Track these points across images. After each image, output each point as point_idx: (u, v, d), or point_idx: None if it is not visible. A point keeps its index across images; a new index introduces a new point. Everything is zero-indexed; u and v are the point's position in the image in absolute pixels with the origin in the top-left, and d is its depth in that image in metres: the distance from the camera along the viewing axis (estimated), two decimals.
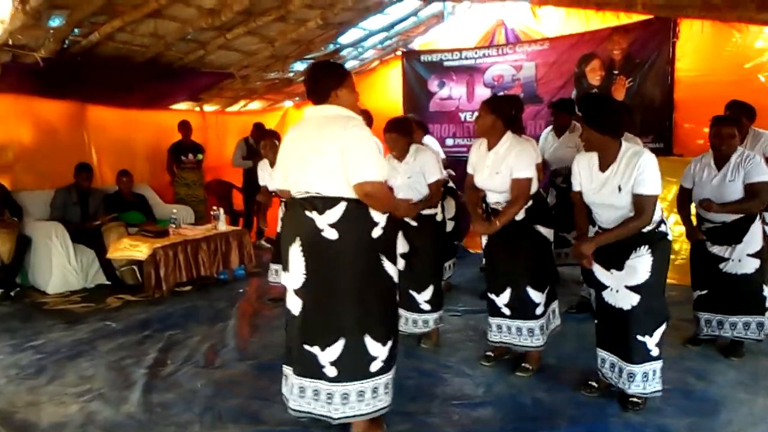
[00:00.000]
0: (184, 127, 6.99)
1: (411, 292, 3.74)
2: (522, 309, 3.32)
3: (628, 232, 2.78)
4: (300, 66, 7.14)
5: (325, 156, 2.42)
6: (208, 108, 7.98)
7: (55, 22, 4.50)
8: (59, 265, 5.24)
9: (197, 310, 4.79)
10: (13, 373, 3.52)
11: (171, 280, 5.11)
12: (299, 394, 2.57)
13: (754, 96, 4.78)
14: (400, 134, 3.64)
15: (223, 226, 5.72)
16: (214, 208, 5.94)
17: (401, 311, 3.76)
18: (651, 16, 5.46)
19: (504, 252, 3.34)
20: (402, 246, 3.74)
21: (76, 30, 4.71)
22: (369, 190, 2.40)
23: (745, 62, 5.32)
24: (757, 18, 4.46)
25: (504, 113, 3.23)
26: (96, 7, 4.26)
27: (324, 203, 2.45)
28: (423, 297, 3.74)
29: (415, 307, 3.77)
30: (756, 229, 3.49)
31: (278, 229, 4.81)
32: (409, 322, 3.80)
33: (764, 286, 3.55)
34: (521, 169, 3.17)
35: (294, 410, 2.59)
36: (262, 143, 4.82)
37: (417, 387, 3.26)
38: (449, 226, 4.99)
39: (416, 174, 3.65)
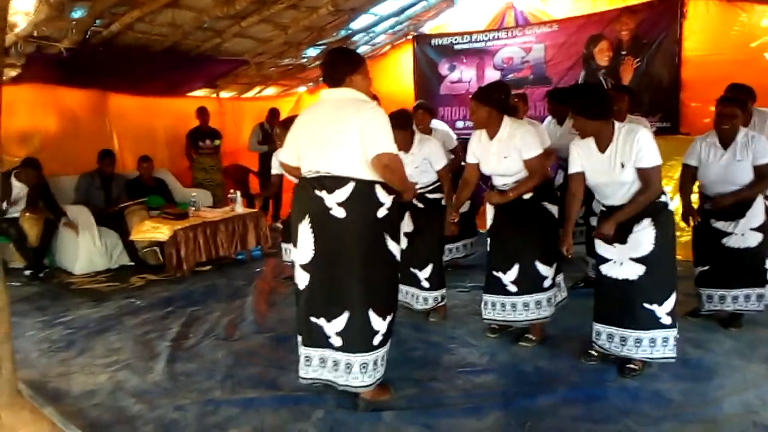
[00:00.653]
0: (202, 113, 7.18)
1: (412, 269, 3.90)
2: (530, 283, 3.43)
3: (641, 206, 2.91)
4: (313, 52, 7.28)
5: (342, 135, 2.57)
6: (225, 94, 8.16)
7: (77, 14, 4.69)
8: (85, 247, 5.48)
9: (216, 288, 5.01)
10: (45, 347, 3.75)
11: (191, 260, 5.33)
12: (305, 362, 2.76)
13: (760, 75, 4.85)
14: (399, 129, 3.74)
15: (240, 208, 5.92)
16: (231, 191, 6.13)
17: (406, 287, 3.93)
18: None
19: (512, 229, 3.44)
20: (407, 225, 3.90)
21: (97, 21, 4.89)
22: (387, 161, 2.55)
23: (752, 41, 5.35)
24: None
25: (495, 101, 3.31)
26: None
27: (333, 183, 2.60)
28: (423, 275, 3.89)
29: (416, 283, 3.93)
30: (759, 204, 3.57)
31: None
32: (409, 296, 3.97)
33: (766, 259, 3.64)
34: (530, 148, 3.27)
35: (302, 378, 2.79)
36: (276, 131, 4.93)
37: (424, 357, 3.44)
38: (465, 205, 5.11)
39: (422, 163, 3.79)
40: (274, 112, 7.55)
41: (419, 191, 3.85)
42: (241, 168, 8.00)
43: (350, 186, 2.59)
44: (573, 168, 3.16)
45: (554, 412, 2.75)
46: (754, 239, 3.57)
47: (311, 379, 2.78)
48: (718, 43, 5.56)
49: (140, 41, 5.48)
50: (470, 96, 3.44)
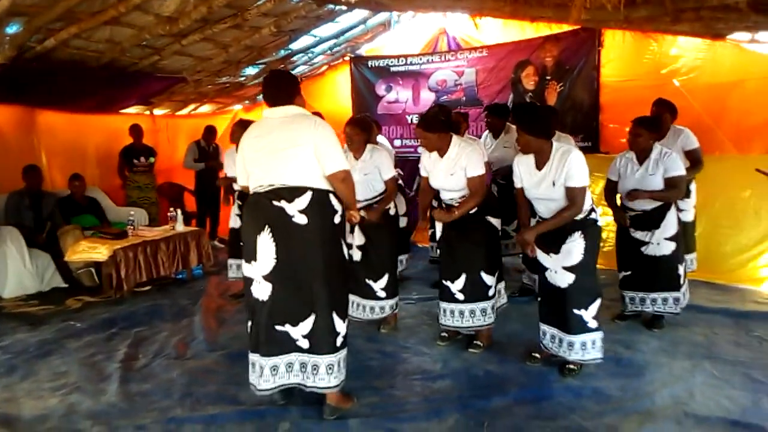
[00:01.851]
0: (135, 130, 7.03)
1: (368, 281, 4.02)
2: (475, 292, 3.65)
3: (564, 221, 3.20)
4: (251, 70, 7.32)
5: (296, 148, 2.71)
6: (159, 111, 8.03)
7: (12, 29, 4.54)
8: (15, 269, 5.23)
9: (161, 308, 4.91)
10: None
11: (131, 280, 5.20)
12: (271, 373, 2.80)
13: (670, 98, 5.29)
14: (359, 129, 3.93)
15: (181, 226, 5.84)
16: (171, 209, 6.04)
17: (359, 299, 4.05)
18: (579, 27, 5.97)
19: (461, 242, 3.66)
20: (359, 238, 4.04)
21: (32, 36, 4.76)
22: (343, 176, 2.78)
23: (662, 68, 5.90)
24: (672, 29, 5.04)
25: (440, 126, 3.55)
26: (55, 15, 4.34)
27: (291, 193, 2.72)
28: (379, 285, 4.03)
29: (372, 294, 4.05)
30: (671, 215, 3.96)
31: (232, 225, 4.98)
32: (366, 310, 4.08)
33: (679, 266, 4.03)
34: (474, 168, 3.51)
35: (263, 390, 2.82)
36: (233, 129, 4.87)
37: (381, 366, 3.57)
38: (402, 221, 5.32)
39: (372, 171, 3.95)
40: (210, 130, 7.48)
41: (367, 202, 3.99)
42: (176, 186, 7.87)
43: (308, 194, 2.73)
44: (516, 183, 3.44)
45: (508, 412, 2.95)
46: (668, 248, 3.95)
47: (274, 388, 2.81)
48: (632, 70, 6.09)
49: (75, 57, 5.35)
50: (416, 125, 3.67)
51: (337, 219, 2.84)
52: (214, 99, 8.25)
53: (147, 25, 5.12)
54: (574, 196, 3.15)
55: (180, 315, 4.70)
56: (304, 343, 2.79)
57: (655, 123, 3.99)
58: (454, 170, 3.55)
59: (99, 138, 7.17)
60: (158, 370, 3.58)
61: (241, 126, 4.86)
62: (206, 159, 7.28)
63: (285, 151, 2.73)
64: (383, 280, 4.01)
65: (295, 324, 2.77)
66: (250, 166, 2.85)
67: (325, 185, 2.78)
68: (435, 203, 3.86)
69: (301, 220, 2.72)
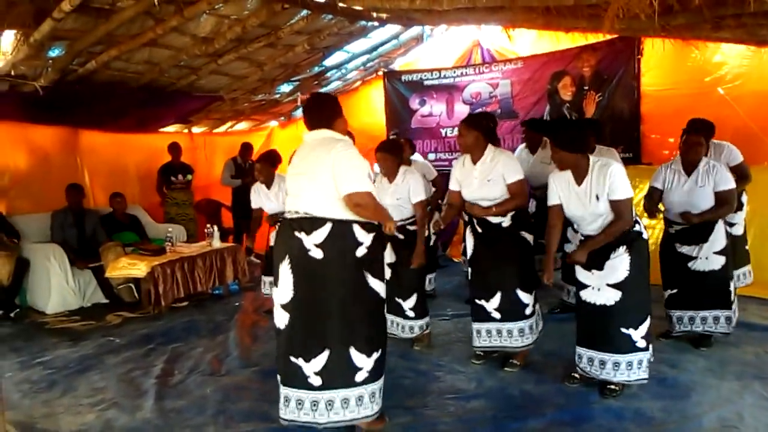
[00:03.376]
0: (174, 148, 7.19)
1: (397, 299, 3.98)
2: (513, 311, 3.55)
3: (613, 236, 3.09)
4: (286, 87, 7.42)
5: (315, 175, 2.67)
6: (197, 129, 8.20)
7: (55, 52, 4.70)
8: (58, 286, 5.39)
9: (197, 324, 4.98)
10: (26, 388, 3.67)
11: (169, 296, 5.29)
12: (284, 402, 2.75)
13: (714, 108, 5.19)
14: (390, 154, 3.91)
15: (217, 242, 5.92)
16: (208, 225, 6.14)
17: (391, 317, 4.00)
18: (616, 36, 5.84)
19: (493, 258, 3.56)
20: (389, 256, 3.99)
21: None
22: (357, 200, 2.62)
23: (705, 76, 5.72)
24: (713, 36, 4.87)
25: (483, 128, 3.51)
26: (96, 38, 4.47)
27: (311, 224, 2.66)
28: (408, 304, 3.98)
29: (401, 312, 4.01)
30: (720, 228, 3.79)
31: (269, 243, 5.01)
32: (397, 327, 4.04)
33: (731, 282, 3.84)
34: (513, 173, 3.44)
35: (282, 418, 2.76)
36: (256, 166, 4.99)
37: (414, 385, 3.50)
38: (431, 239, 5.27)
39: (405, 195, 3.92)
40: (246, 147, 7.61)
41: (400, 223, 3.96)
42: (213, 202, 8.00)
43: (327, 227, 2.65)
44: (551, 200, 3.32)
45: None
46: (718, 263, 3.77)
47: (289, 420, 2.75)
48: (674, 78, 5.92)
49: (116, 78, 5.50)
50: (461, 121, 3.63)
51: (360, 252, 2.70)
52: (250, 116, 8.39)
53: (184, 46, 5.24)
54: (620, 209, 3.05)
55: (215, 331, 4.75)
56: (316, 380, 2.69)
57: (712, 127, 3.83)
58: (491, 176, 3.46)
59: (139, 156, 7.37)
60: (193, 387, 3.61)
61: (264, 161, 4.93)
62: (243, 175, 7.38)
63: (306, 179, 2.70)
64: (412, 300, 3.96)
65: (307, 359, 2.68)
66: (287, 188, 2.86)
67: (347, 215, 2.67)
68: (466, 218, 3.78)
69: (317, 254, 2.65)
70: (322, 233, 2.64)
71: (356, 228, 2.70)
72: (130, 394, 3.53)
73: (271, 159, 4.99)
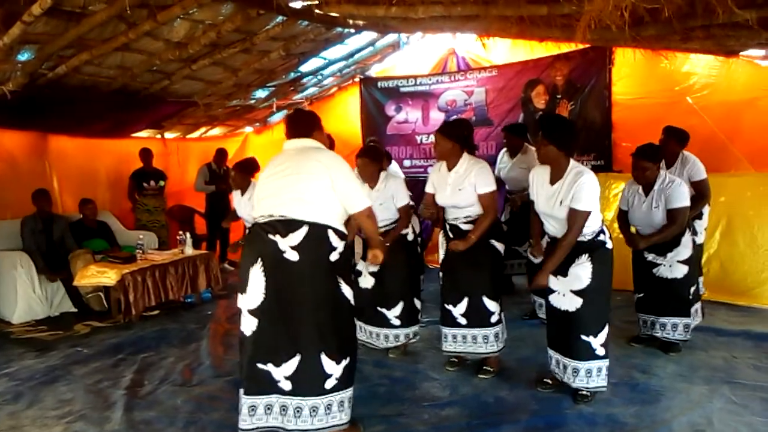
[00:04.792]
0: (146, 154, 7.08)
1: (380, 309, 3.96)
2: (478, 318, 3.57)
3: (565, 250, 3.11)
4: (261, 93, 7.37)
5: (305, 178, 2.67)
6: (169, 135, 8.10)
7: (24, 56, 4.59)
8: (24, 295, 5.24)
9: (168, 333, 4.88)
10: None
11: (140, 305, 5.18)
12: (249, 412, 2.69)
13: (683, 117, 5.29)
14: (371, 160, 3.90)
15: (189, 250, 5.83)
16: (180, 232, 6.04)
17: (371, 328, 3.99)
18: (588, 46, 5.93)
19: (464, 265, 3.57)
20: (372, 265, 3.97)
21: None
22: (369, 212, 2.81)
23: (675, 86, 5.84)
24: (683, 47, 4.99)
25: (459, 136, 3.52)
26: (66, 42, 4.38)
27: (287, 226, 2.65)
28: (393, 313, 3.96)
29: (385, 323, 3.98)
30: (686, 239, 3.87)
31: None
32: (380, 338, 4.02)
33: (690, 290, 3.92)
34: (485, 184, 3.45)
35: (242, 429, 2.70)
36: (231, 174, 5.00)
37: (389, 392, 3.49)
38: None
39: (387, 200, 3.91)
40: (221, 152, 7.54)
41: (382, 229, 3.94)
42: (186, 209, 7.90)
43: (304, 230, 2.64)
44: (531, 195, 3.38)
45: None
46: (680, 271, 3.86)
47: (252, 429, 2.70)
48: (644, 88, 6.03)
49: (87, 83, 5.40)
50: (437, 129, 3.64)
51: (334, 256, 2.71)
52: (224, 122, 8.32)
53: (157, 51, 5.17)
54: (574, 219, 3.06)
55: (187, 340, 4.67)
56: (286, 385, 2.66)
57: (656, 151, 3.84)
58: (462, 185, 3.49)
59: (110, 162, 7.24)
60: (163, 397, 3.53)
61: (240, 170, 4.93)
62: (217, 182, 7.31)
63: (290, 180, 2.69)
64: (397, 308, 3.95)
65: (278, 364, 2.65)
66: (259, 194, 2.82)
67: (324, 220, 2.68)
68: (446, 226, 3.77)
69: (293, 256, 2.63)
70: (298, 235, 2.63)
71: (331, 233, 2.71)
72: (98, 405, 3.44)
73: (248, 167, 4.97)
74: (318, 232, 2.66)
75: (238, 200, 4.97)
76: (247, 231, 4.96)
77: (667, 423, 2.98)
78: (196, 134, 8.47)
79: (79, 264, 5.41)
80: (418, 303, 4.10)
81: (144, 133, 7.72)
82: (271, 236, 2.66)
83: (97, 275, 5.21)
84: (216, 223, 7.33)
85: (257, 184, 2.90)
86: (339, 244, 2.73)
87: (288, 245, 2.63)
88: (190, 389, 3.65)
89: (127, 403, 3.45)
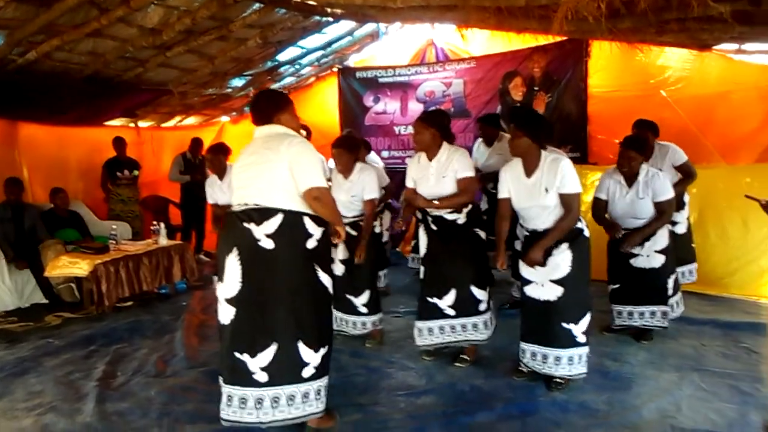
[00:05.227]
0: (119, 143, 6.94)
1: (348, 296, 3.96)
2: (467, 307, 3.57)
3: (564, 230, 3.14)
4: (238, 82, 7.28)
5: (271, 167, 2.64)
6: (144, 124, 7.96)
7: None
8: None
9: (142, 324, 4.82)
10: None
11: (113, 296, 5.10)
12: (227, 402, 2.68)
13: (657, 109, 5.37)
14: (346, 150, 3.88)
15: (164, 240, 5.75)
16: (155, 223, 5.96)
17: (341, 314, 3.99)
18: (565, 38, 5.97)
19: (447, 255, 3.56)
20: (342, 253, 3.97)
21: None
22: (317, 194, 2.65)
23: (649, 79, 5.92)
24: (658, 40, 5.04)
25: (439, 125, 3.53)
26: (37, 27, 4.27)
27: (261, 214, 2.63)
28: (360, 301, 3.97)
29: (353, 310, 3.99)
30: (663, 229, 3.92)
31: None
32: (348, 324, 4.03)
33: (669, 279, 3.99)
34: (465, 169, 3.46)
35: (224, 420, 2.68)
36: (207, 157, 4.92)
37: (365, 382, 3.49)
38: (385, 236, 5.28)
39: (359, 192, 3.90)
40: (196, 142, 7.42)
41: (353, 219, 3.95)
42: (161, 199, 7.77)
43: (278, 217, 2.63)
44: (501, 194, 3.38)
45: (493, 428, 2.89)
46: (658, 261, 3.91)
47: (231, 421, 2.67)
48: (619, 81, 6.10)
49: (57, 69, 5.28)
50: (417, 119, 3.62)
51: (311, 244, 2.70)
52: (200, 111, 8.20)
53: (130, 38, 5.08)
54: (570, 203, 3.11)
55: (161, 331, 4.61)
56: (262, 377, 2.64)
57: (644, 144, 3.92)
58: (445, 173, 3.49)
59: (82, 151, 7.08)
60: (136, 389, 3.49)
61: (214, 153, 4.86)
62: (192, 171, 7.20)
63: (259, 170, 2.66)
64: (364, 296, 3.96)
65: (253, 354, 2.63)
66: (235, 183, 2.79)
67: (299, 207, 2.67)
68: (420, 215, 3.78)
69: (268, 244, 2.62)
70: (273, 223, 2.61)
71: (307, 220, 2.69)
72: (70, 397, 3.39)
73: (222, 150, 4.91)
74: (293, 219, 2.65)
75: (215, 187, 4.87)
76: None
77: (638, 409, 3.03)
78: (171, 123, 8.34)
79: (50, 254, 5.31)
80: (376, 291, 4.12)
81: (117, 122, 7.58)
82: (245, 224, 2.63)
83: (68, 266, 5.12)
84: (191, 213, 7.26)
85: (233, 172, 2.85)
86: (316, 231, 2.72)
87: (263, 233, 2.61)
88: (163, 380, 3.61)
89: (99, 394, 3.40)
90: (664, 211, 3.78)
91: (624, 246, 3.84)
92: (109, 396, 3.39)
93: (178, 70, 6.19)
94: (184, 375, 3.71)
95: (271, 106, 2.81)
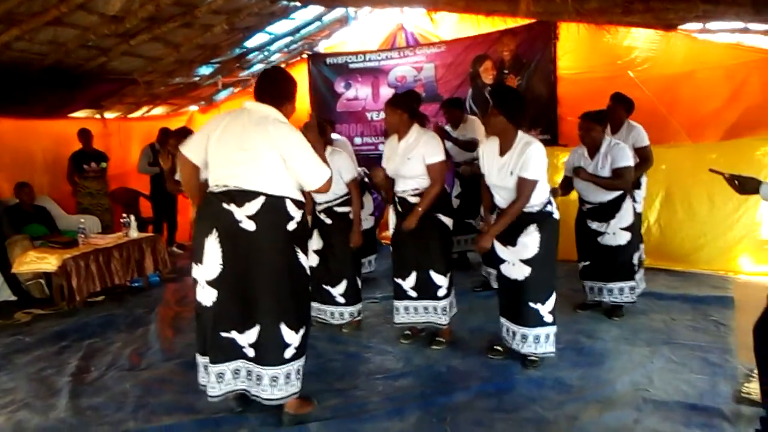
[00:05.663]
0: (84, 135, 6.76)
1: (325, 286, 3.95)
2: (426, 290, 3.62)
3: (512, 217, 3.17)
4: (206, 70, 7.16)
5: (258, 154, 2.58)
6: (110, 115, 7.77)
7: None
8: None
9: (115, 318, 4.74)
10: None
11: (84, 290, 5.00)
12: (217, 380, 2.68)
13: (625, 90, 5.33)
14: (314, 135, 3.83)
15: (134, 233, 5.66)
16: (124, 215, 5.85)
17: (318, 305, 3.97)
18: (534, 21, 5.99)
19: (410, 239, 3.59)
20: (316, 243, 3.95)
21: None
22: (328, 186, 2.76)
23: (617, 60, 5.98)
24: (624, 21, 5.09)
25: (408, 107, 3.53)
26: None
27: (243, 196, 2.59)
28: (337, 291, 3.96)
29: (330, 300, 3.98)
30: (627, 206, 3.99)
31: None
32: (326, 314, 4.02)
33: (634, 255, 4.08)
34: (433, 154, 3.46)
35: (213, 396, 2.70)
36: (170, 142, 4.77)
37: (343, 367, 3.50)
38: (369, 222, 5.27)
39: (333, 175, 3.85)
40: (165, 132, 7.23)
41: (327, 205, 3.92)
42: (130, 191, 7.63)
43: (260, 200, 2.60)
44: (482, 170, 3.41)
45: (470, 406, 2.92)
46: (624, 238, 3.99)
47: (222, 394, 2.70)
48: (588, 62, 6.16)
49: (17, 60, 5.12)
50: (386, 102, 3.61)
51: (291, 226, 2.68)
52: (167, 101, 8.05)
53: (92, 25, 4.94)
54: (522, 187, 3.12)
55: (135, 325, 4.54)
56: (251, 351, 2.67)
57: (603, 115, 3.95)
58: (411, 155, 3.49)
59: (46, 144, 6.87)
60: (111, 383, 3.44)
61: (179, 136, 4.74)
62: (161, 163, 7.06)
63: (247, 154, 2.59)
64: (341, 286, 3.94)
65: (241, 331, 2.65)
66: (212, 158, 2.69)
67: (281, 192, 2.63)
68: (395, 200, 3.76)
69: (249, 226, 2.59)
70: (254, 205, 2.59)
71: (289, 203, 2.67)
72: (42, 393, 3.33)
73: (184, 134, 4.81)
74: (275, 202, 2.62)
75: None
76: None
77: (611, 383, 3.10)
78: (137, 114, 8.17)
79: (17, 250, 5.18)
80: (359, 281, 4.08)
81: (82, 113, 7.38)
82: (226, 205, 2.60)
83: (36, 261, 5.00)
84: (162, 205, 7.15)
85: (208, 136, 2.70)
86: (297, 214, 2.70)
87: (244, 215, 2.58)
88: (138, 373, 3.57)
89: (73, 389, 3.34)
90: (620, 176, 3.80)
91: (576, 173, 3.90)
92: (82, 391, 3.33)
93: (143, 59, 6.06)
94: (159, 367, 3.66)
95: (285, 91, 2.78)
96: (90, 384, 3.43)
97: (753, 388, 2.83)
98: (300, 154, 2.65)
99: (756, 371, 2.53)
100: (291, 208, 2.68)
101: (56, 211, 6.28)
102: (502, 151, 3.23)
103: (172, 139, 4.78)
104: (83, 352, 3.97)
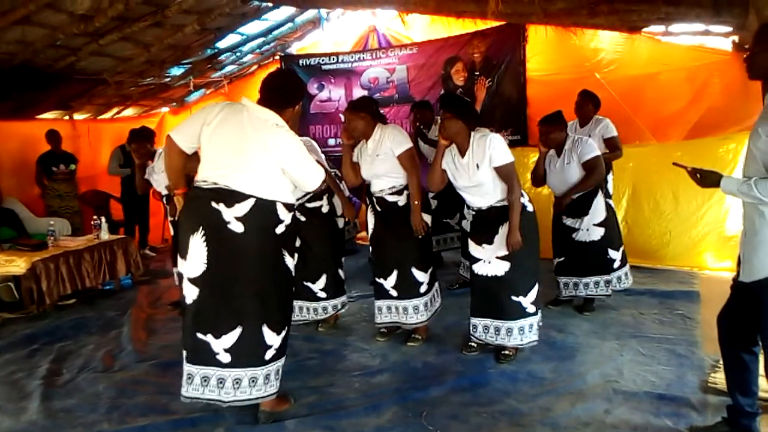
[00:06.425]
0: (53, 136, 6.65)
1: (305, 283, 3.95)
2: (408, 289, 3.65)
3: (519, 205, 3.22)
4: (177, 71, 7.09)
5: (252, 157, 2.56)
6: (79, 116, 7.65)
7: None
8: None
9: (86, 321, 4.67)
10: None
11: (54, 293, 4.91)
12: (187, 379, 2.67)
13: (592, 90, 5.54)
14: None
15: (105, 235, 5.57)
16: (95, 217, 5.76)
17: (300, 302, 3.97)
18: (504, 23, 6.09)
19: (390, 238, 3.64)
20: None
21: None
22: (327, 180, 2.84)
23: (584, 62, 6.12)
24: (590, 23, 5.21)
25: (368, 109, 3.56)
26: None
27: (232, 197, 2.57)
28: (317, 286, 3.97)
29: (312, 296, 3.99)
30: (599, 201, 4.08)
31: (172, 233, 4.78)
32: (310, 311, 4.02)
33: (609, 250, 4.16)
34: (400, 143, 3.48)
35: (184, 396, 2.69)
36: (131, 147, 4.74)
37: (320, 365, 3.52)
38: (340, 222, 5.27)
39: None
40: (135, 134, 7.18)
41: (298, 202, 3.92)
42: (101, 193, 7.51)
43: (250, 202, 2.58)
44: (451, 179, 3.44)
45: (446, 401, 2.97)
46: (597, 234, 4.08)
47: (192, 398, 2.68)
48: (556, 64, 6.29)
49: None
50: (345, 110, 3.64)
51: (280, 229, 2.67)
52: (138, 101, 7.95)
53: (60, 24, 4.85)
54: (507, 173, 3.20)
55: (107, 327, 4.49)
56: (225, 357, 2.63)
57: (558, 116, 4.02)
58: (380, 151, 3.52)
59: (13, 145, 6.74)
60: (83, 385, 3.40)
61: (139, 139, 4.72)
62: (132, 164, 6.95)
63: (242, 158, 2.56)
64: (321, 281, 3.96)
65: (217, 336, 2.61)
66: (205, 151, 2.64)
67: (273, 195, 2.62)
68: (372, 200, 3.79)
69: (238, 228, 2.57)
70: (244, 207, 2.56)
71: (279, 206, 2.65)
72: (14, 397, 3.27)
73: (145, 135, 4.78)
74: (265, 204, 2.60)
75: (160, 174, 4.69)
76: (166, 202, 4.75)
77: (582, 376, 3.18)
78: (108, 115, 8.05)
79: None
80: (342, 273, 4.10)
81: (50, 115, 7.25)
82: (215, 204, 2.57)
83: (4, 264, 4.89)
84: (133, 207, 7.05)
85: (204, 125, 2.63)
86: (286, 217, 2.69)
87: (233, 216, 2.56)
88: (111, 375, 3.53)
89: (45, 392, 3.30)
90: (592, 168, 3.90)
91: (557, 207, 4.04)
92: (54, 393, 3.29)
93: (113, 59, 5.97)
94: (133, 369, 3.63)
95: (290, 97, 2.77)
96: (62, 386, 3.39)
97: (719, 378, 2.92)
98: (298, 162, 2.68)
99: (721, 362, 2.63)
100: (281, 211, 2.67)
101: (24, 214, 6.16)
102: (462, 152, 3.31)
103: (133, 144, 4.74)
104: (54, 355, 3.91)
